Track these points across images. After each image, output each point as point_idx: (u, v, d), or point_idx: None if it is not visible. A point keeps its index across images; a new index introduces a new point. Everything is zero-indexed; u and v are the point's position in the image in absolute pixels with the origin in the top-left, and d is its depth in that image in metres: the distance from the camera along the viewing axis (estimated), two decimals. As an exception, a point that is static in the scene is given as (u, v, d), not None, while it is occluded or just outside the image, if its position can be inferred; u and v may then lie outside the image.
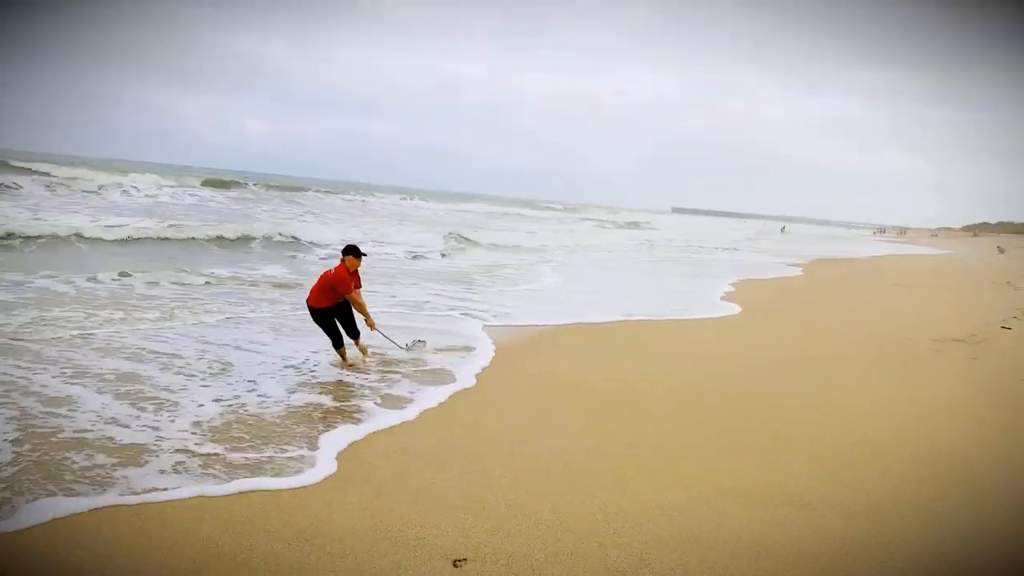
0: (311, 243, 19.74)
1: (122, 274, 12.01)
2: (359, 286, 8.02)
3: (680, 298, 15.36)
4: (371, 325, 8.02)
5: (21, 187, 28.11)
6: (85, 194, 29.41)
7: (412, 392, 6.89)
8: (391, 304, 11.85)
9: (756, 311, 13.85)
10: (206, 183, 43.06)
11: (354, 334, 8.04)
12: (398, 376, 7.48)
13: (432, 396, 6.77)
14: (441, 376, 7.52)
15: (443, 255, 21.35)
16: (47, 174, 33.91)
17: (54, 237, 15.63)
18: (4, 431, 5.25)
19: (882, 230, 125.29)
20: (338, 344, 7.88)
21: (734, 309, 13.84)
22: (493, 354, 8.53)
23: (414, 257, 20.05)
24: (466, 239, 26.33)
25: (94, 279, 11.68)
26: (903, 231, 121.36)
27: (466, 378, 7.45)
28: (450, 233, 26.94)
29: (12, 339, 7.77)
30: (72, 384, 6.48)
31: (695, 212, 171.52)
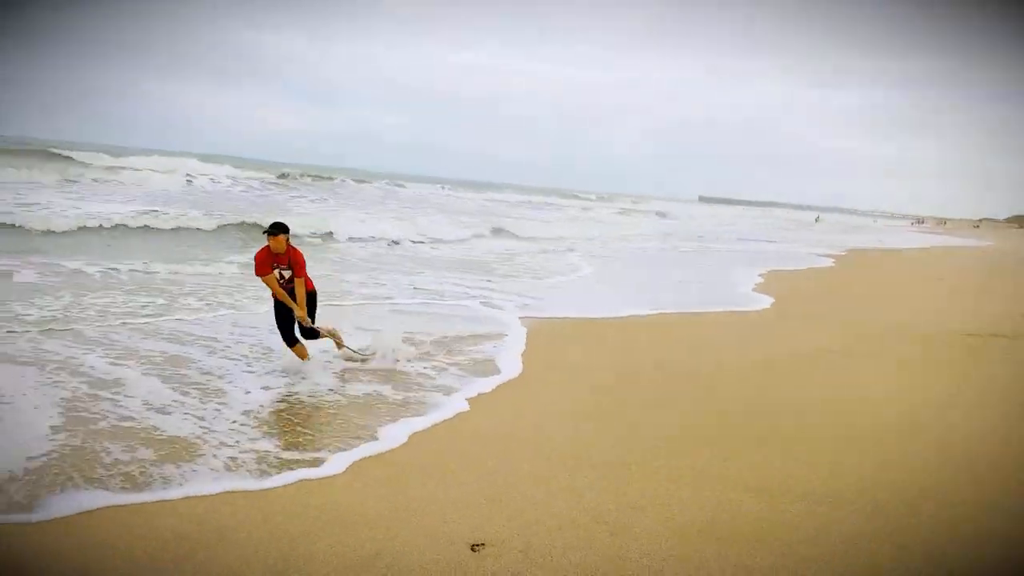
0: (329, 234, 19.55)
1: (150, 262, 12.30)
2: (300, 273, 6.89)
3: (711, 290, 15.32)
4: (301, 319, 6.99)
5: (76, 180, 28.74)
6: (119, 184, 29.78)
7: (461, 383, 7.01)
8: (424, 295, 12.00)
9: (788, 303, 13.76)
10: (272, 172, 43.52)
11: (307, 334, 7.13)
12: (444, 364, 7.63)
13: (477, 387, 6.90)
14: (485, 367, 7.65)
15: (473, 244, 21.48)
16: (78, 164, 34.57)
17: (97, 229, 16.01)
18: (50, 416, 5.48)
19: (920, 220, 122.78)
20: (290, 344, 7.10)
21: (766, 301, 13.76)
22: (526, 346, 8.61)
23: (444, 245, 20.22)
24: (494, 228, 26.40)
25: (134, 267, 12.04)
26: (943, 222, 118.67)
27: (508, 369, 7.57)
28: (479, 222, 27.01)
29: (62, 321, 8.07)
30: (118, 365, 6.78)
31: (722, 201, 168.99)
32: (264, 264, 6.84)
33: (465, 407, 6.36)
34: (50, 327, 7.90)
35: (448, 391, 6.76)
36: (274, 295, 6.97)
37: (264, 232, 6.83)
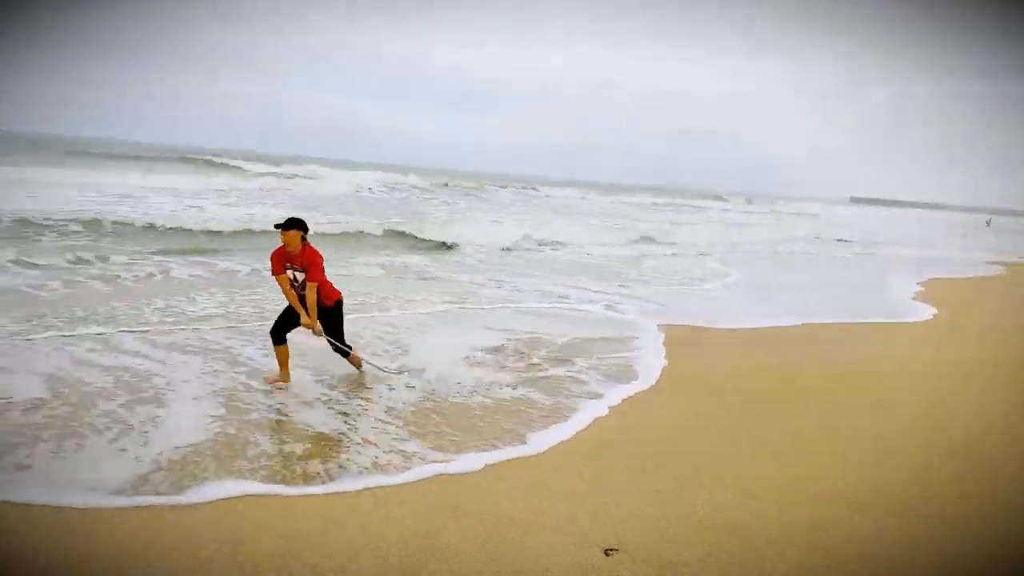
0: (454, 243, 19.16)
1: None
2: (313, 276, 6.15)
3: (865, 298, 14.35)
4: (307, 326, 6.31)
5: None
6: (272, 191, 31.08)
7: (603, 388, 6.87)
8: (553, 298, 11.97)
9: (952, 314, 12.61)
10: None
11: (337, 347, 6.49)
12: (584, 368, 7.52)
13: (617, 393, 6.76)
14: (624, 373, 7.47)
15: (611, 248, 21.22)
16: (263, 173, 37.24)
17: (250, 232, 16.92)
18: (208, 405, 5.85)
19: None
20: (276, 340, 6.36)
21: (927, 311, 12.68)
22: (665, 353, 8.32)
23: (579, 249, 20.10)
24: (633, 232, 25.97)
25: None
26: None
27: (646, 376, 7.36)
28: (619, 225, 26.65)
29: (223, 317, 8.67)
30: (272, 358, 7.03)
31: (876, 202, 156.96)
32: (278, 263, 6.21)
33: (605, 412, 6.25)
34: (212, 321, 8.51)
35: (591, 396, 6.64)
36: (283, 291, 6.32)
37: (276, 226, 6.18)
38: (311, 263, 6.12)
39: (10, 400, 5.62)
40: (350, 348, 6.70)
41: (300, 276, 6.20)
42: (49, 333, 7.47)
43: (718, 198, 77.07)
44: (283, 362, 6.39)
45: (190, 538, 3.88)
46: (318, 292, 6.29)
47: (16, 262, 11.14)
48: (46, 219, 15.01)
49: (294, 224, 6.06)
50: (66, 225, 14.80)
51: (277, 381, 6.38)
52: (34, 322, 7.87)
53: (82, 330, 7.67)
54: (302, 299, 6.26)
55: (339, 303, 6.55)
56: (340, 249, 15.86)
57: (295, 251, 6.10)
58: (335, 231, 18.06)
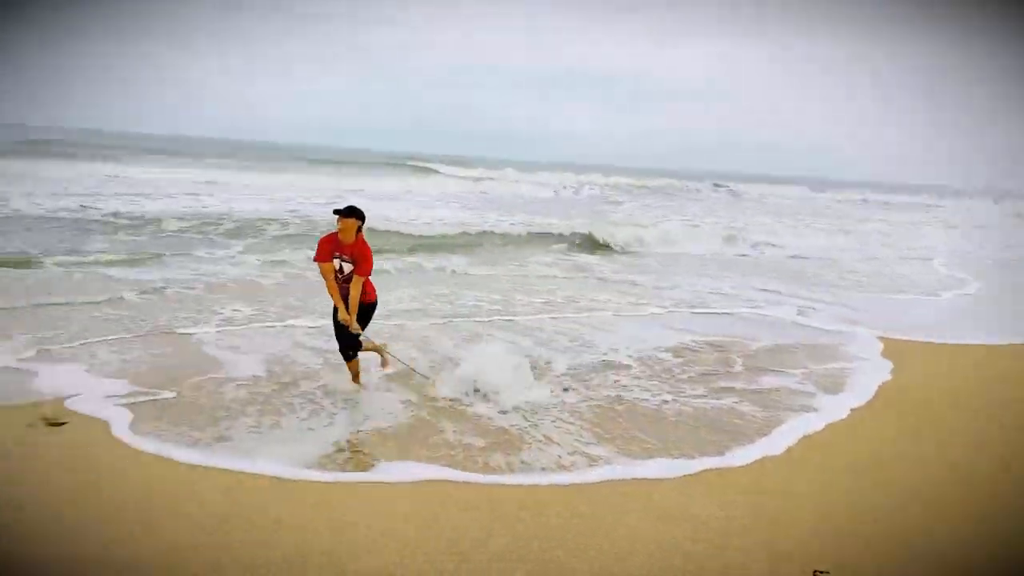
0: (620, 247, 17.89)
1: (475, 264, 13.31)
2: (362, 271, 5.82)
3: None
4: (344, 320, 5.91)
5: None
6: (468, 193, 31.90)
7: (815, 403, 6.31)
8: (749, 303, 11.34)
9: None
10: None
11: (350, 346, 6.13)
12: (797, 377, 7.03)
13: (831, 407, 6.20)
14: (836, 386, 6.82)
15: (811, 250, 19.58)
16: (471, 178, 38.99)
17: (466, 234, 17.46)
18: (403, 390, 6.10)
19: None
20: (349, 358, 6.17)
21: None
22: (883, 365, 7.55)
23: (779, 251, 18.80)
24: (848, 232, 23.81)
25: (456, 268, 13.22)
26: None
27: (861, 392, 6.68)
28: (824, 226, 24.71)
29: (419, 312, 9.09)
30: (460, 348, 7.36)
31: None
32: (325, 251, 5.85)
33: (819, 428, 5.73)
34: (411, 315, 8.92)
35: (801, 409, 6.11)
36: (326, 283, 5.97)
37: (335, 211, 5.83)
38: (362, 256, 5.82)
39: (227, 377, 6.22)
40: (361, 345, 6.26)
41: (347, 267, 5.88)
42: (270, 322, 8.19)
43: (957, 194, 69.03)
44: (356, 374, 6.24)
45: (380, 512, 4.03)
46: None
47: (245, 253, 12.69)
48: (264, 219, 16.70)
49: (353, 212, 5.77)
50: (285, 222, 16.46)
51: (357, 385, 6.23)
52: (257, 308, 8.74)
53: (298, 319, 8.35)
54: (344, 291, 5.96)
55: (374, 304, 6.22)
56: (523, 248, 16.05)
57: (348, 240, 5.79)
58: (522, 231, 18.24)
